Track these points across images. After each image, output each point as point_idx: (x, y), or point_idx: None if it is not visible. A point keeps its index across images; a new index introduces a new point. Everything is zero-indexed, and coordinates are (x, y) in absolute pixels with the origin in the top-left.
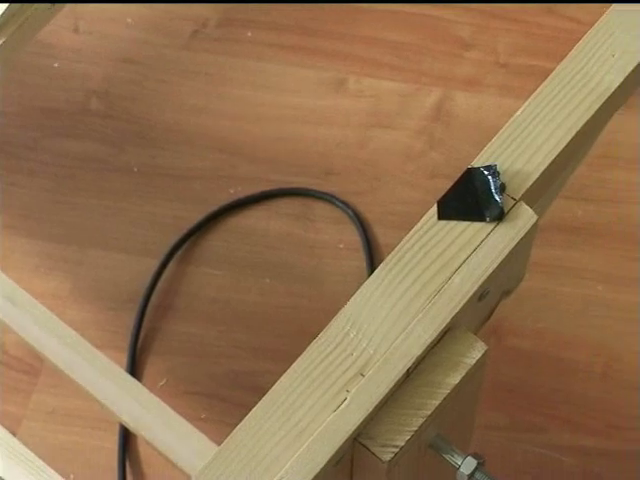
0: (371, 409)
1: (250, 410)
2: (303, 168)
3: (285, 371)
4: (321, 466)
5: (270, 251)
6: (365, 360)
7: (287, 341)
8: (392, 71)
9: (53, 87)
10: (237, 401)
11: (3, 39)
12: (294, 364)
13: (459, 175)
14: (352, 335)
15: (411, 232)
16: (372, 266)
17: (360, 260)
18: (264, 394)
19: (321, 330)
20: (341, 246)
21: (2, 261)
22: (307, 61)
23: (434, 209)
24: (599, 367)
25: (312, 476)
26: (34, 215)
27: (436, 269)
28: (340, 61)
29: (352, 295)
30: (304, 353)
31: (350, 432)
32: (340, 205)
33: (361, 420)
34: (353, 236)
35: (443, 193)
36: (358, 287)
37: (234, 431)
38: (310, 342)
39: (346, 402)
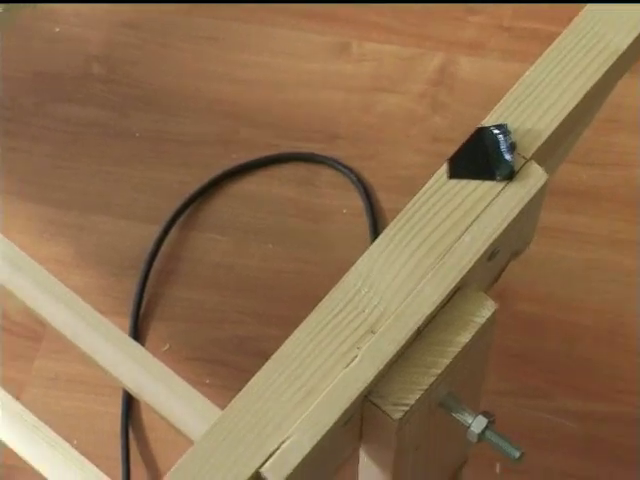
0: (382, 366)
1: (254, 375)
2: (307, 133)
3: (289, 336)
4: (330, 425)
5: (273, 216)
6: (376, 317)
7: (291, 306)
8: (395, 35)
9: (54, 52)
10: (241, 366)
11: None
12: (304, 322)
13: (462, 139)
14: (363, 292)
15: (421, 191)
16: (375, 231)
17: (363, 225)
18: (268, 359)
19: (325, 295)
20: (344, 211)
21: (5, 226)
22: (310, 25)
23: (444, 168)
24: (604, 332)
25: (320, 436)
26: (36, 180)
27: (446, 228)
28: (343, 25)
29: (360, 256)
30: (314, 310)
31: (361, 389)
32: (343, 170)
33: (372, 377)
34: (356, 201)
35: (446, 157)
36: (363, 252)
37: (242, 390)
38: (314, 307)
39: (357, 359)
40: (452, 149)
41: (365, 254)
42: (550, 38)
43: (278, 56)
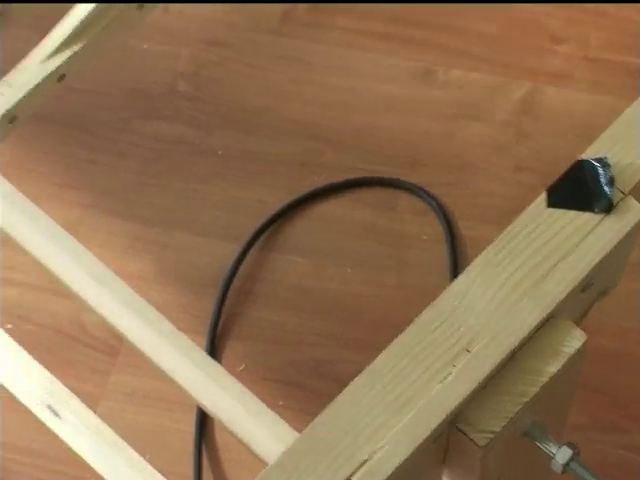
0: (476, 385)
1: (330, 399)
2: (389, 158)
3: (366, 360)
4: (423, 438)
5: (353, 240)
6: (472, 336)
7: (368, 330)
8: (481, 63)
9: (142, 68)
10: (316, 390)
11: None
12: (400, 336)
13: (545, 169)
14: (459, 311)
15: (519, 217)
16: (455, 258)
17: (443, 252)
18: (344, 383)
19: (404, 320)
20: (424, 237)
21: (86, 240)
22: (396, 50)
23: (542, 197)
24: None
25: (414, 447)
26: (121, 196)
27: (543, 255)
28: (429, 51)
29: (437, 282)
30: (411, 325)
31: (454, 406)
32: (425, 196)
33: (466, 395)
34: (437, 227)
35: (528, 186)
36: (441, 278)
37: (333, 401)
38: (391, 331)
39: (452, 376)
40: (535, 179)
41: (462, 274)
42: (636, 70)
43: (364, 80)
